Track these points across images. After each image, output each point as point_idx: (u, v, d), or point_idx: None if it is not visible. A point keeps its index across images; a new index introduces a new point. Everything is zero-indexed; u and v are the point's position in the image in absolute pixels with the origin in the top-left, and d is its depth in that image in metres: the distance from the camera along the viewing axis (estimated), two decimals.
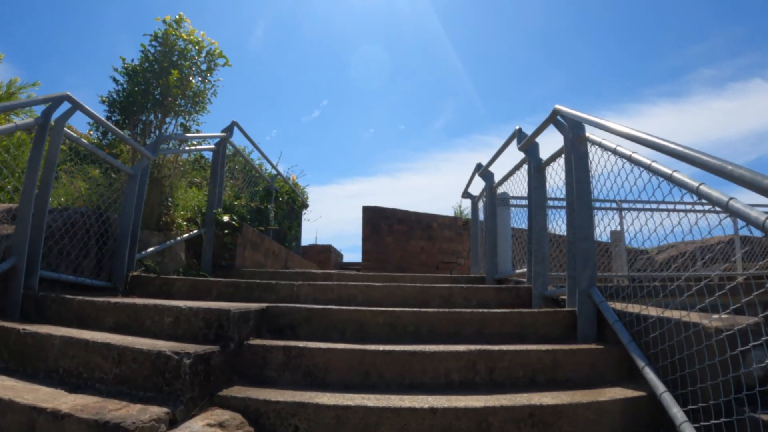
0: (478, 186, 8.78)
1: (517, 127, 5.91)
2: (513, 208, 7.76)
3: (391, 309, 4.01)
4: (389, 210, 10.96)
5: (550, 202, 5.77)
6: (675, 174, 2.91)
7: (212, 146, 7.94)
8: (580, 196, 4.20)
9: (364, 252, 10.63)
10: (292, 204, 12.18)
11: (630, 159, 3.36)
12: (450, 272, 11.00)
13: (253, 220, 9.39)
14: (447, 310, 4.08)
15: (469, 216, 11.15)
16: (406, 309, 4.03)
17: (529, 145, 5.55)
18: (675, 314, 3.32)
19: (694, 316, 3.15)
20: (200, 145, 8.17)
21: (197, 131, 7.90)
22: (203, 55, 7.62)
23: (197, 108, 7.74)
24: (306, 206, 13.24)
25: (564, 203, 4.91)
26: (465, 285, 5.28)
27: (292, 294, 5.07)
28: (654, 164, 3.17)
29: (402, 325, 3.96)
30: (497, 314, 4.11)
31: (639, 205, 9.16)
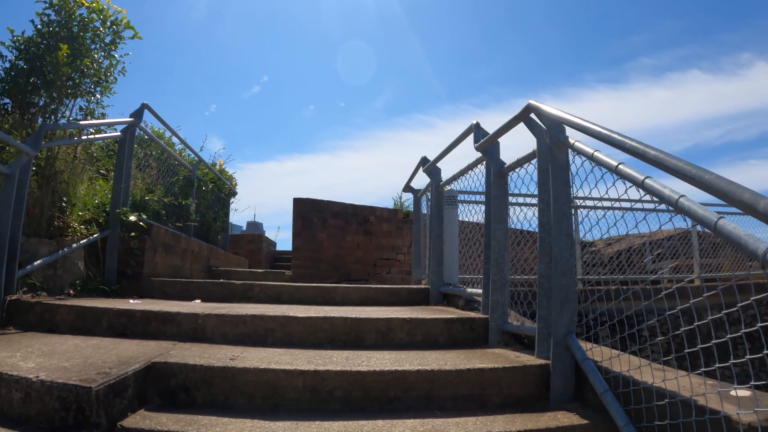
0: (420, 180, 7.94)
1: (474, 122, 4.98)
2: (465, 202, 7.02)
3: (313, 369, 3.10)
4: (323, 202, 10.00)
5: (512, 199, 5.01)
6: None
7: (118, 133, 6.89)
8: (559, 219, 3.36)
9: (295, 249, 9.63)
10: (218, 192, 11.16)
11: (643, 187, 2.55)
12: (389, 270, 10.16)
13: (171, 216, 8.38)
14: (386, 370, 3.16)
15: (410, 208, 10.36)
16: (331, 369, 3.12)
17: (489, 146, 4.63)
18: (682, 382, 2.59)
19: (712, 399, 2.38)
20: (102, 132, 7.08)
21: (103, 115, 6.86)
22: (108, 26, 6.54)
23: (100, 89, 6.68)
24: (234, 194, 12.24)
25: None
26: (407, 316, 4.36)
27: (197, 328, 4.19)
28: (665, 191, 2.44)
29: (328, 389, 3.09)
30: (451, 374, 3.23)
31: (590, 202, 8.60)
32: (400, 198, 11.50)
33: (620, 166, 2.70)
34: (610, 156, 2.87)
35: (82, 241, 6.05)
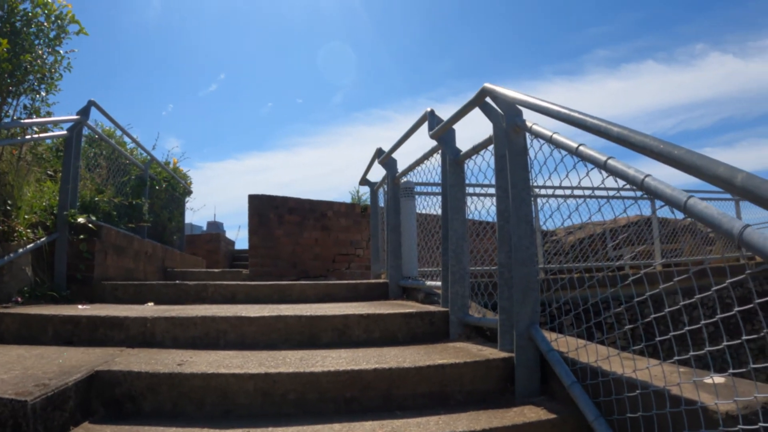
0: (377, 172, 7.81)
1: (429, 109, 4.84)
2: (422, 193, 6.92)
3: (264, 372, 2.96)
4: (279, 198, 9.80)
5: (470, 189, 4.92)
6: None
7: (64, 132, 6.66)
8: (518, 206, 3.26)
9: (252, 248, 9.43)
10: (173, 192, 10.92)
11: (606, 168, 2.43)
12: (348, 265, 10.03)
13: (123, 217, 8.16)
14: (342, 369, 3.03)
15: (368, 202, 10.24)
16: (284, 371, 2.98)
17: (443, 133, 4.50)
18: (655, 372, 2.50)
19: (687, 388, 2.29)
20: (48, 132, 6.84)
21: (49, 114, 6.63)
22: (52, 20, 6.29)
23: (45, 86, 6.44)
24: (189, 192, 12.00)
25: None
26: (365, 312, 4.22)
27: (145, 332, 4.04)
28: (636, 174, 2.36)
29: (280, 393, 2.96)
30: (410, 371, 3.10)
31: (551, 190, 8.57)
32: (358, 192, 11.39)
33: (581, 147, 2.59)
34: (571, 138, 2.76)
35: (29, 246, 5.83)
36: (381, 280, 6.58)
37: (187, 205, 12.09)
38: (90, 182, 7.55)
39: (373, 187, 8.13)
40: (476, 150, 4.03)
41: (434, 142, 4.78)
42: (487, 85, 3.51)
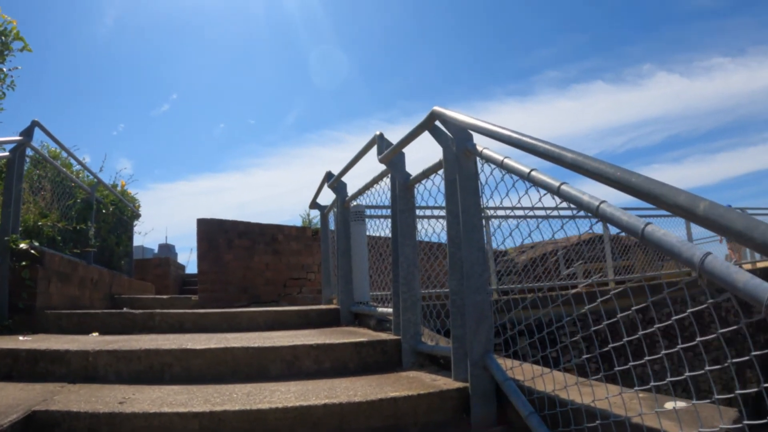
0: (327, 195, 7.74)
1: (378, 132, 4.76)
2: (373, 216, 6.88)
3: (209, 410, 2.85)
4: (229, 222, 9.65)
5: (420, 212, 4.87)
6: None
7: (6, 154, 6.47)
8: (470, 232, 3.22)
9: (201, 273, 9.23)
10: (120, 215, 10.70)
11: (559, 194, 2.39)
12: (299, 290, 9.90)
13: (68, 242, 7.96)
14: (290, 406, 2.93)
15: (319, 225, 10.17)
16: (230, 409, 2.87)
17: (393, 157, 4.43)
18: (615, 400, 2.46)
19: (649, 418, 2.25)
20: None
21: None
22: None
23: None
24: (137, 216, 11.78)
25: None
26: (314, 342, 4.12)
27: (88, 366, 3.88)
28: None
29: None
30: (362, 406, 3.00)
31: (502, 212, 8.60)
32: (308, 215, 11.29)
33: (533, 173, 2.56)
34: (522, 163, 2.73)
35: None
36: (332, 306, 6.49)
37: (137, 228, 11.88)
38: (33, 206, 7.35)
39: (323, 210, 8.06)
40: (426, 174, 3.98)
41: (383, 166, 4.74)
42: (437, 108, 3.47)
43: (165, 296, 9.05)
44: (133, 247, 12.14)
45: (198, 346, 3.98)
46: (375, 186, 5.49)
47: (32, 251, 6.17)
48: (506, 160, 2.82)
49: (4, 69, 6.27)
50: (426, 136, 3.82)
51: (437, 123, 3.56)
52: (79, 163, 8.97)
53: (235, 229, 9.61)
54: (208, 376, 3.85)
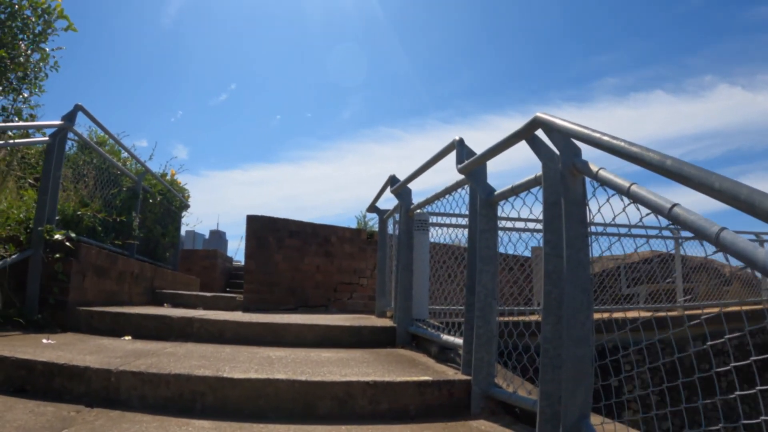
0: (388, 197, 7.13)
1: (457, 138, 4.09)
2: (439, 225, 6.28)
3: None
4: (280, 220, 9.09)
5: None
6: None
7: (46, 138, 6.01)
8: (574, 269, 2.56)
9: (248, 272, 8.67)
10: (168, 205, 10.26)
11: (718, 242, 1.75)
12: (350, 295, 9.31)
13: (110, 232, 7.51)
14: None
15: (375, 228, 9.60)
16: None
17: (475, 168, 3.76)
18: None
19: None
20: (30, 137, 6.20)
21: (32, 117, 6.00)
22: (39, 14, 5.66)
23: (26, 86, 5.81)
24: (186, 207, 11.35)
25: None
26: (371, 379, 3.47)
27: (109, 387, 3.39)
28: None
29: None
30: None
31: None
32: (364, 217, 10.71)
33: (675, 209, 1.90)
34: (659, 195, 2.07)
35: None
36: (388, 324, 5.84)
37: (187, 217, 11.51)
38: (74, 194, 6.90)
39: (383, 215, 7.46)
40: (515, 191, 3.31)
41: (459, 175, 4.09)
42: (541, 115, 2.77)
43: (208, 294, 8.52)
44: (185, 233, 11.76)
45: (236, 375, 3.41)
46: (446, 196, 4.84)
47: (67, 243, 5.74)
48: (635, 188, 2.14)
49: (47, 49, 5.81)
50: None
51: (539, 132, 2.88)
52: (126, 150, 8.51)
53: (286, 228, 9.05)
54: (245, 411, 3.30)
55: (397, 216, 6.53)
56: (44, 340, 4.51)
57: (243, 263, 10.74)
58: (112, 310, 5.68)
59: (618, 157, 2.22)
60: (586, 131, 2.41)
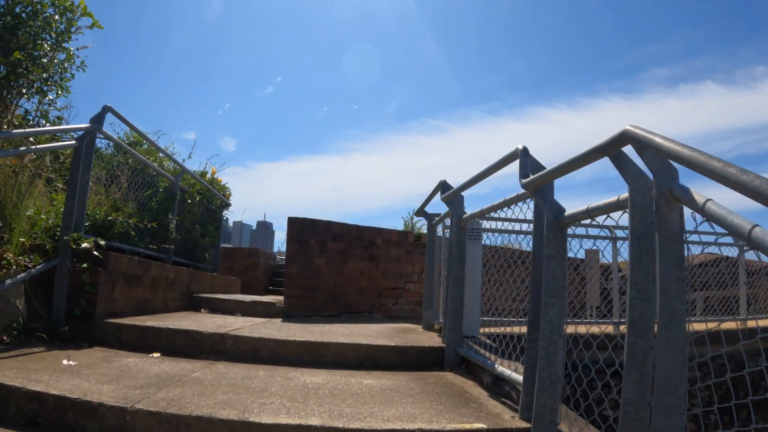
0: (436, 202, 6.66)
1: (521, 147, 3.54)
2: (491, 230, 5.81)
3: None
4: (323, 222, 8.62)
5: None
6: None
7: (71, 142, 5.67)
8: (668, 323, 2.05)
9: (288, 277, 8.21)
10: (208, 204, 9.93)
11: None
12: (396, 300, 8.80)
13: (145, 236, 7.19)
14: None
15: (423, 230, 9.16)
16: None
17: (542, 185, 3.23)
18: None
19: None
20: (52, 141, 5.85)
21: (58, 119, 5.69)
22: (61, 11, 5.32)
23: (54, 88, 5.48)
24: (227, 206, 10.99)
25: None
26: (418, 427, 3.08)
27: (124, 426, 3.04)
28: None
29: None
30: None
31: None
32: (411, 218, 10.26)
33: None
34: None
35: (20, 276, 4.91)
36: (436, 343, 5.34)
37: (232, 212, 11.17)
38: (105, 197, 6.57)
39: (432, 221, 6.99)
40: (591, 214, 2.79)
41: (515, 187, 3.59)
42: (631, 128, 2.23)
43: (247, 299, 8.12)
44: (232, 224, 11.46)
45: (264, 419, 2.99)
46: (505, 209, 4.31)
47: (95, 252, 5.42)
48: (758, 232, 1.63)
49: (72, 49, 5.46)
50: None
51: (627, 149, 2.36)
52: (161, 151, 8.16)
53: (329, 231, 8.60)
54: None
55: (447, 221, 6.07)
56: (65, 361, 4.18)
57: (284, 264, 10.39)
58: (141, 323, 5.33)
59: (729, 188, 1.71)
60: (691, 153, 1.88)
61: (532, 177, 3.23)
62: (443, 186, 5.50)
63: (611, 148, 2.38)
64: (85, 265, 5.33)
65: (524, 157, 3.42)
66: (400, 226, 10.59)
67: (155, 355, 4.81)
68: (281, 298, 8.55)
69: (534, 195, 3.27)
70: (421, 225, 9.78)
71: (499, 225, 7.51)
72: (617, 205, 2.52)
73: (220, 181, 10.65)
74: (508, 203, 3.98)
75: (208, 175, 10.31)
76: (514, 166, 3.57)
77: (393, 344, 5.11)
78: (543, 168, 3.32)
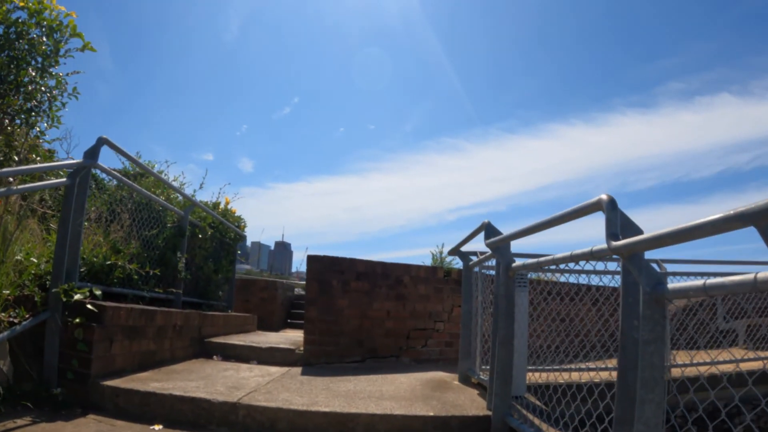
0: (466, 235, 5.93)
1: (605, 197, 2.73)
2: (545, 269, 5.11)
3: None
4: (345, 261, 7.90)
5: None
6: None
7: (62, 180, 5.03)
8: None
9: (309, 321, 7.47)
10: (221, 238, 9.26)
11: None
12: (425, 342, 8.00)
13: (150, 278, 6.52)
14: None
15: (453, 265, 8.48)
16: None
17: (639, 251, 2.45)
18: None
19: None
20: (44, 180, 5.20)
21: (50, 153, 5.04)
22: (45, 31, 4.68)
23: (35, 117, 4.84)
24: (242, 238, 10.33)
25: None
26: None
27: None
28: None
29: None
30: None
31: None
32: (440, 252, 9.53)
33: None
34: None
35: (2, 334, 4.25)
36: (481, 412, 4.58)
37: (249, 232, 10.51)
38: (104, 238, 5.91)
39: (468, 261, 6.27)
40: (710, 292, 2.07)
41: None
42: None
43: (263, 345, 7.37)
44: (250, 244, 10.83)
45: None
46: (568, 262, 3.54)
47: (89, 306, 4.76)
48: None
49: (62, 74, 4.83)
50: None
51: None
52: (167, 184, 7.50)
53: (352, 269, 7.87)
54: None
55: (488, 262, 5.38)
56: None
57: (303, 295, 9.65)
58: (142, 387, 4.65)
59: None
60: None
61: (625, 241, 2.46)
62: (487, 228, 4.74)
63: None
64: (77, 320, 4.70)
65: (611, 212, 2.63)
66: (427, 258, 9.88)
67: (157, 427, 4.15)
68: (300, 338, 7.85)
69: (629, 261, 2.50)
70: (451, 260, 9.06)
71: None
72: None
73: (234, 212, 10.00)
74: (576, 258, 3.24)
75: (222, 205, 9.66)
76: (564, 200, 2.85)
77: (432, 414, 4.37)
78: (633, 224, 2.61)
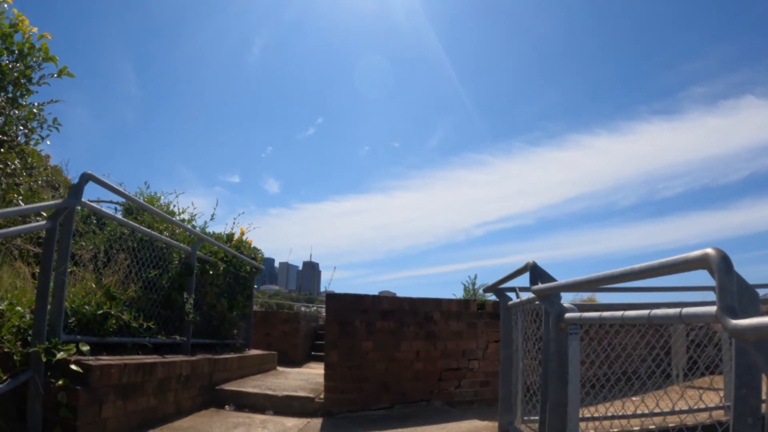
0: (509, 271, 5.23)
1: (713, 252, 1.88)
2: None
3: None
4: (368, 299, 7.14)
5: None
6: None
7: (42, 223, 4.42)
8: None
9: (329, 366, 6.68)
10: (236, 272, 8.60)
11: None
12: (458, 383, 7.24)
13: (150, 327, 5.85)
14: None
15: (486, 297, 7.81)
16: None
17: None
18: None
19: None
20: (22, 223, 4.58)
21: (32, 192, 4.44)
22: (13, 52, 4.07)
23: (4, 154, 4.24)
24: (260, 270, 9.63)
25: None
26: None
27: None
28: None
29: None
30: None
31: None
32: (473, 284, 8.88)
33: None
34: None
35: None
36: None
37: (277, 252, 9.91)
38: (96, 284, 5.29)
39: (506, 301, 5.55)
40: None
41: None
42: None
43: (280, 394, 6.65)
44: (278, 265, 10.20)
45: None
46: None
47: (72, 366, 4.14)
48: None
49: (35, 104, 4.24)
50: None
51: None
52: (170, 221, 6.84)
53: (376, 308, 7.11)
54: None
55: (532, 306, 4.69)
56: None
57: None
58: None
59: None
60: None
61: (750, 322, 1.70)
62: (533, 272, 3.97)
63: None
64: (60, 382, 4.11)
65: (725, 277, 1.87)
66: (456, 281, 9.21)
67: None
68: (322, 380, 7.15)
69: (754, 349, 1.74)
70: (485, 292, 8.37)
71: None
72: None
73: (251, 243, 9.34)
74: (656, 321, 2.49)
75: (236, 236, 9.02)
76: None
77: None
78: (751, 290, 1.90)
